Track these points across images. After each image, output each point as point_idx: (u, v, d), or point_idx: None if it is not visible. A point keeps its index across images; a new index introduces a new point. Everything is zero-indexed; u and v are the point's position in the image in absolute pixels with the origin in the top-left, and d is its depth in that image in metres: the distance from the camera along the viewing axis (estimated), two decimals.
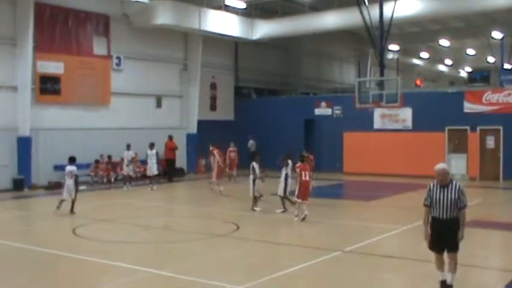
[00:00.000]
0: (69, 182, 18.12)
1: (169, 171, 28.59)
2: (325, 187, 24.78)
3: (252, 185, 18.50)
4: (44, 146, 24.96)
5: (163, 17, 27.74)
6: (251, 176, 18.53)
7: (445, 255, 9.16)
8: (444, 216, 9.01)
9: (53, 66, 25.45)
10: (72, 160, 18.72)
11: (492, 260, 12.53)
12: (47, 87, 25.31)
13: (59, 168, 25.17)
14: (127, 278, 10.53)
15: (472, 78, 36.24)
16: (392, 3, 26.75)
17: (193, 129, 31.93)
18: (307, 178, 16.89)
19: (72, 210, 17.92)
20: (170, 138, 28.73)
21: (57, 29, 25.52)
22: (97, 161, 26.41)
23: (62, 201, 17.98)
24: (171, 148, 28.62)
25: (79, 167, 25.38)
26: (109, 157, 26.73)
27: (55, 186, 24.48)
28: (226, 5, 30.16)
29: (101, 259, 11.82)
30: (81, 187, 24.85)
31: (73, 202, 18.00)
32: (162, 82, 30.79)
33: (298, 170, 16.87)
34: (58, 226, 16.35)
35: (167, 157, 28.60)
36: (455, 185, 9.08)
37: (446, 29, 40.60)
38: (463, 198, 9.04)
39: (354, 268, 11.33)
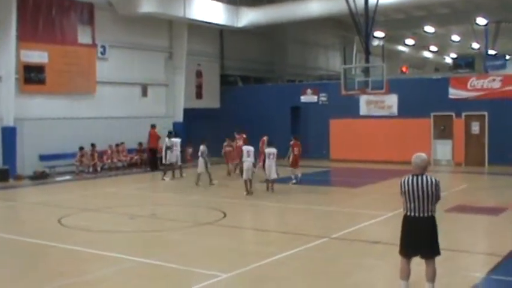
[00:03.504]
0: (201, 159, 21.87)
1: (153, 160, 28.42)
2: (312, 174, 24.82)
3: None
4: (29, 135, 24.79)
5: (148, 5, 27.58)
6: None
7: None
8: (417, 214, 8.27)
9: (37, 56, 25.28)
10: (202, 141, 22.29)
11: (477, 245, 12.64)
12: (31, 76, 25.15)
13: (45, 158, 25.14)
14: (114, 267, 10.52)
15: (457, 64, 36.41)
16: None
17: (179, 118, 31.85)
18: (296, 152, 21.65)
19: (211, 182, 21.95)
20: (153, 127, 28.56)
21: (41, 18, 25.31)
22: (81, 148, 26.09)
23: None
24: (154, 137, 28.44)
25: (64, 156, 25.63)
26: (92, 145, 26.53)
27: (40, 177, 24.42)
28: None
29: (87, 248, 11.80)
30: (66, 177, 24.96)
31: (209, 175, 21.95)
32: (148, 71, 30.66)
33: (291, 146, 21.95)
34: (44, 216, 16.28)
35: (150, 146, 28.42)
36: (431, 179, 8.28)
37: (431, 15, 40.60)
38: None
39: (340, 254, 11.39)
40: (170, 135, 25.30)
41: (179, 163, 25.01)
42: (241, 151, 22.77)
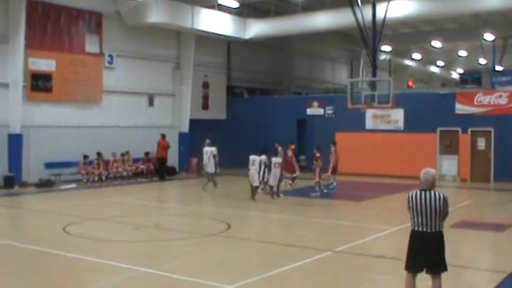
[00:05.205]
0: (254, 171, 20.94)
1: (160, 170, 28.56)
2: (308, 188, 24.73)
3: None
4: (35, 143, 24.85)
5: (156, 16, 27.68)
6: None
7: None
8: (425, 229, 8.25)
9: (45, 64, 25.33)
10: (257, 152, 21.36)
11: (482, 261, 12.59)
12: (39, 84, 25.20)
13: (50, 165, 25.17)
14: (118, 276, 10.50)
15: (464, 79, 36.34)
16: (385, 4, 26.78)
17: (185, 128, 31.88)
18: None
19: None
20: (163, 136, 28.73)
21: (49, 26, 25.40)
22: (85, 156, 26.06)
23: (256, 187, 20.94)
24: (163, 147, 28.59)
25: (70, 164, 25.63)
26: (98, 154, 26.49)
27: (45, 184, 24.43)
28: (219, 4, 30.18)
29: (92, 257, 11.78)
30: (71, 185, 24.96)
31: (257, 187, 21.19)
32: (155, 81, 30.73)
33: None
34: (49, 224, 16.28)
35: (159, 156, 28.58)
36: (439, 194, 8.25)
37: (439, 30, 40.68)
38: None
39: (345, 268, 11.35)
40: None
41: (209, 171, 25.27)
42: (292, 162, 24.62)
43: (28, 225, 17.05)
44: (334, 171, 24.78)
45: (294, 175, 24.86)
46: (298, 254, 12.28)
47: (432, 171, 8.41)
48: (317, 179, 22.71)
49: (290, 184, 24.38)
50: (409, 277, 8.43)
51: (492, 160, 27.71)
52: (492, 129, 27.63)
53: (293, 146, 25.67)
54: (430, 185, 8.26)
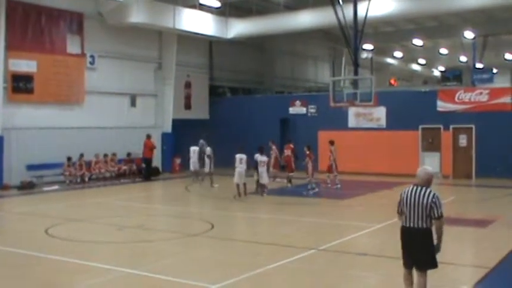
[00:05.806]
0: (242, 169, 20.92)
1: (146, 171, 28.49)
2: (300, 185, 24.79)
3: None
4: (16, 145, 24.65)
5: (138, 16, 27.60)
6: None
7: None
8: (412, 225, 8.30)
9: (26, 65, 25.14)
10: (241, 150, 21.50)
11: (465, 257, 12.69)
12: (20, 85, 24.99)
13: (32, 167, 25.00)
14: (101, 277, 10.47)
15: (445, 77, 36.57)
16: (367, 2, 26.85)
17: (168, 128, 31.81)
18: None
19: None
20: (148, 137, 28.64)
21: (30, 27, 25.20)
22: (69, 158, 25.98)
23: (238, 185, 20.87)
24: (149, 147, 28.50)
25: (52, 166, 25.49)
26: (81, 155, 26.40)
27: (27, 186, 24.25)
28: (200, 4, 30.14)
29: (75, 259, 11.72)
30: (54, 187, 24.81)
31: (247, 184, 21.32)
32: (137, 81, 30.62)
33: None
34: (31, 226, 16.14)
35: (145, 156, 28.50)
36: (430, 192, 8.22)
37: (420, 28, 40.94)
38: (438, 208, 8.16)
39: (329, 266, 11.38)
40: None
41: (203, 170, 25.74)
42: (291, 160, 25.04)
43: (10, 228, 16.90)
44: (330, 170, 24.71)
45: (290, 174, 25.03)
46: (282, 252, 12.31)
47: (426, 170, 8.46)
48: (310, 177, 22.82)
49: (278, 182, 24.68)
50: (406, 272, 8.56)
51: (474, 157, 27.92)
52: (473, 126, 27.83)
53: (291, 145, 25.86)
54: (422, 183, 8.29)
